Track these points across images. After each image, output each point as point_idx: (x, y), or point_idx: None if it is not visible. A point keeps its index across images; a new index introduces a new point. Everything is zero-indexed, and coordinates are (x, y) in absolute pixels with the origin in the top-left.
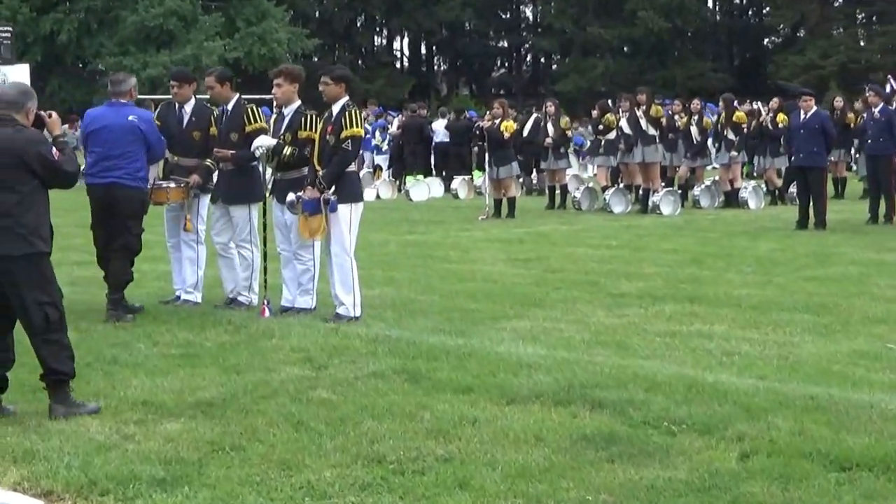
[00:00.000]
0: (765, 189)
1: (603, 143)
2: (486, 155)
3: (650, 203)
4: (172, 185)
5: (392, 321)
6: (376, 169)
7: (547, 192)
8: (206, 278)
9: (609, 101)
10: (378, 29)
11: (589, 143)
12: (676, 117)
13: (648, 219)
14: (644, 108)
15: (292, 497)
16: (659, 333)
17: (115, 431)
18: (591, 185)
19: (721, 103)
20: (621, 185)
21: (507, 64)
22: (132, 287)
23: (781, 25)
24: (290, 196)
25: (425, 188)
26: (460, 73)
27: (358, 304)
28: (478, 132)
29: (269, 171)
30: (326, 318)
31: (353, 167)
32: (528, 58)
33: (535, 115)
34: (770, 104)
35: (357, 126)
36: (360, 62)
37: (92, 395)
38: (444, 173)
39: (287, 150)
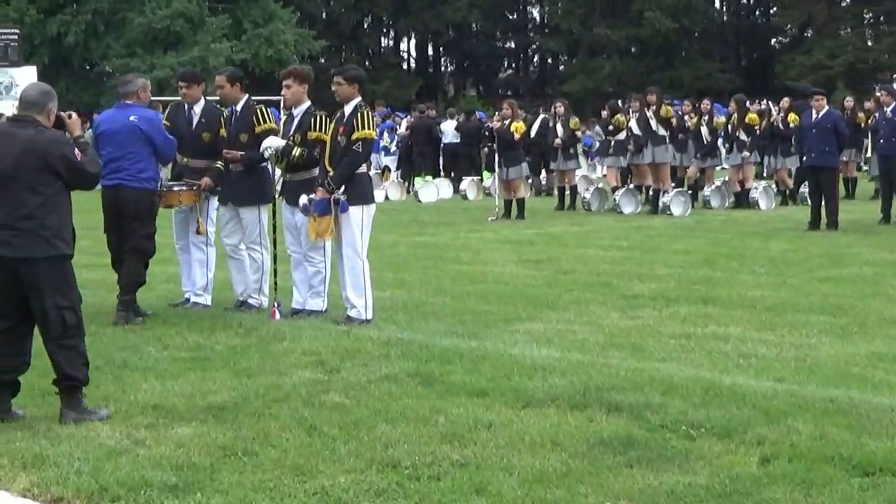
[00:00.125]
0: (775, 189)
1: (613, 143)
2: (496, 156)
3: (660, 204)
4: (184, 187)
5: (404, 323)
6: (385, 170)
7: (556, 192)
8: (216, 280)
9: (619, 102)
10: (385, 30)
11: (598, 144)
12: (686, 117)
13: (659, 219)
14: (654, 108)
15: (306, 503)
16: (674, 335)
17: (125, 436)
18: (600, 185)
19: (733, 104)
20: (631, 186)
21: (514, 65)
22: (141, 290)
23: (789, 25)
24: (303, 199)
25: (434, 189)
26: (467, 74)
27: (370, 307)
28: (487, 133)
29: (278, 172)
30: (338, 321)
31: (363, 169)
32: (536, 58)
33: (542, 116)
34: (781, 104)
35: (369, 128)
36: (367, 63)
37: (102, 399)
38: (452, 174)
39: (296, 152)
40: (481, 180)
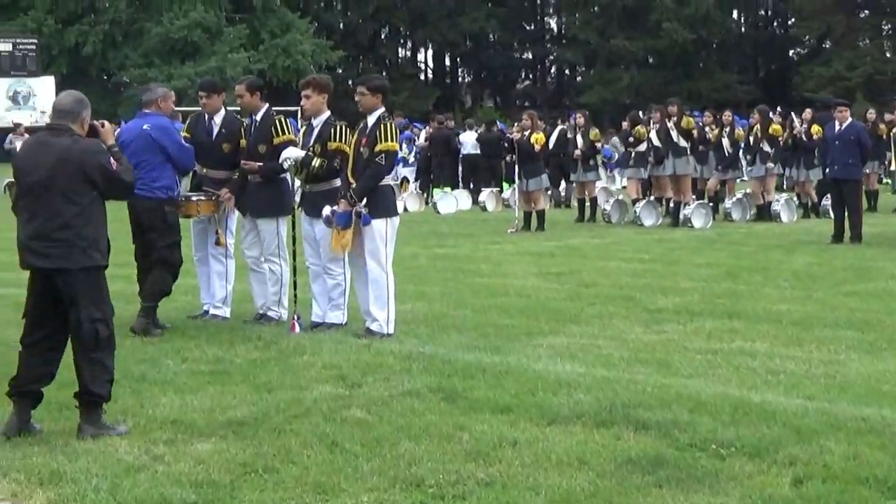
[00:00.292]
0: (797, 202)
1: (633, 155)
2: (516, 167)
3: (681, 216)
4: (203, 197)
5: (425, 337)
6: (403, 181)
7: (576, 204)
8: (235, 293)
9: (639, 113)
10: (402, 41)
11: (616, 155)
12: (707, 129)
13: (680, 232)
14: (675, 119)
15: None
16: (700, 351)
17: (144, 452)
18: (621, 197)
19: (756, 114)
20: (652, 198)
21: (531, 76)
22: (160, 301)
23: (807, 37)
24: (327, 210)
25: (453, 201)
26: (484, 85)
27: (391, 321)
28: (506, 144)
29: (297, 183)
30: (358, 335)
31: (387, 181)
32: (553, 69)
33: (560, 127)
34: (804, 115)
35: (392, 140)
36: (384, 74)
37: (120, 414)
38: (471, 185)
39: (316, 162)
40: (500, 192)
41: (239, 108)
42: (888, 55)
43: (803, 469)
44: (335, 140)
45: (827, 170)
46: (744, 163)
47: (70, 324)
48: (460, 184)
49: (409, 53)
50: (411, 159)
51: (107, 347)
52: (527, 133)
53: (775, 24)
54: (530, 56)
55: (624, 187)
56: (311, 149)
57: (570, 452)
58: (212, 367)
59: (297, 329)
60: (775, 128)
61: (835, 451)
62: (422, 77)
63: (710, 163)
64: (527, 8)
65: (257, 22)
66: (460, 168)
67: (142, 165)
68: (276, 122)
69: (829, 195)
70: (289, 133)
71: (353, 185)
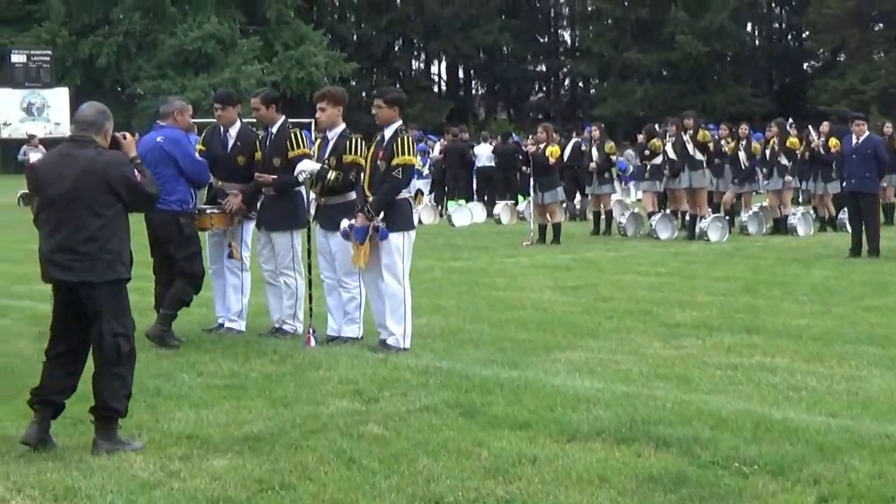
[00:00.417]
0: (814, 215)
1: (648, 168)
2: (531, 180)
3: (697, 229)
4: (216, 210)
5: (442, 351)
6: (417, 193)
7: (592, 217)
8: (250, 306)
9: (655, 126)
10: (416, 53)
11: (631, 168)
12: (723, 142)
13: (696, 245)
14: (691, 132)
15: None
16: (719, 366)
17: (159, 468)
18: (636, 210)
19: (774, 127)
20: (667, 211)
21: (544, 88)
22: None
23: (821, 50)
24: (345, 223)
25: (467, 213)
26: (498, 98)
27: (408, 335)
28: (521, 157)
29: (311, 196)
30: (373, 348)
31: (403, 194)
32: (566, 82)
33: (574, 140)
34: (821, 128)
35: (409, 154)
36: (397, 86)
37: (135, 428)
38: (486, 198)
39: (331, 175)
40: (515, 204)
41: (255, 121)
42: None
43: (828, 488)
44: (351, 153)
45: (844, 183)
46: (760, 176)
47: (91, 337)
48: (475, 196)
49: (422, 65)
50: (426, 171)
51: (128, 362)
52: (542, 146)
53: (789, 37)
54: (544, 68)
55: (638, 200)
56: (327, 161)
57: (590, 470)
58: (227, 381)
59: (313, 343)
60: (793, 141)
61: (859, 469)
62: (435, 89)
63: (726, 176)
64: (540, 20)
65: (271, 34)
66: (475, 180)
67: (156, 178)
68: (292, 135)
69: (845, 209)
70: (304, 147)
71: (370, 199)
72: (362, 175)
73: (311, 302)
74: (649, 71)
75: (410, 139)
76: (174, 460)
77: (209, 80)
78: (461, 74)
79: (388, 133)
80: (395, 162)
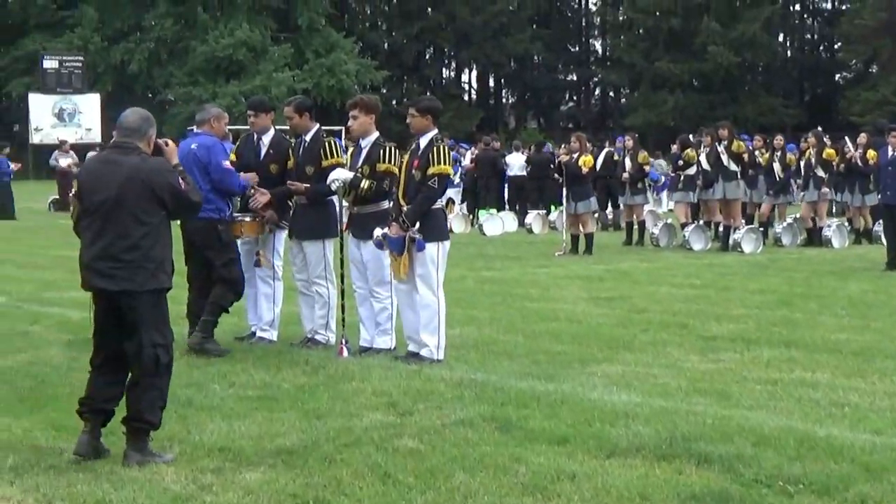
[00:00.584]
0: (849, 227)
1: (682, 178)
2: (563, 189)
3: (731, 240)
4: (248, 218)
5: (476, 363)
6: (448, 202)
7: (624, 227)
8: (282, 315)
9: (689, 136)
10: (447, 61)
11: (663, 178)
12: (757, 153)
13: (730, 257)
14: (725, 143)
15: None
16: (759, 381)
17: (191, 481)
18: (669, 221)
19: (811, 138)
20: (701, 222)
21: (575, 97)
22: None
23: (853, 61)
24: (378, 232)
25: (499, 222)
26: (528, 107)
27: (442, 347)
28: (553, 166)
29: (344, 204)
30: (406, 360)
31: (438, 204)
32: (597, 91)
33: (606, 149)
34: (858, 140)
35: (445, 163)
36: (427, 94)
37: (166, 440)
38: (517, 207)
39: (365, 184)
40: (547, 214)
41: (290, 129)
42: None
43: None
44: (384, 161)
45: (880, 195)
46: (795, 187)
47: (128, 349)
48: (506, 206)
49: (453, 74)
50: (457, 180)
51: (165, 373)
52: (575, 155)
53: (822, 48)
54: (574, 78)
55: (670, 210)
56: (360, 170)
57: (630, 487)
58: (259, 392)
59: (346, 353)
60: (829, 152)
61: None
62: (465, 98)
63: (760, 187)
64: (572, 30)
65: (302, 41)
66: (506, 190)
67: None
68: (326, 144)
69: (881, 220)
70: (337, 156)
71: (405, 209)
72: (396, 184)
73: (343, 312)
74: (680, 81)
75: (446, 148)
76: (206, 473)
77: (240, 88)
78: (492, 83)
79: (423, 142)
80: (430, 171)
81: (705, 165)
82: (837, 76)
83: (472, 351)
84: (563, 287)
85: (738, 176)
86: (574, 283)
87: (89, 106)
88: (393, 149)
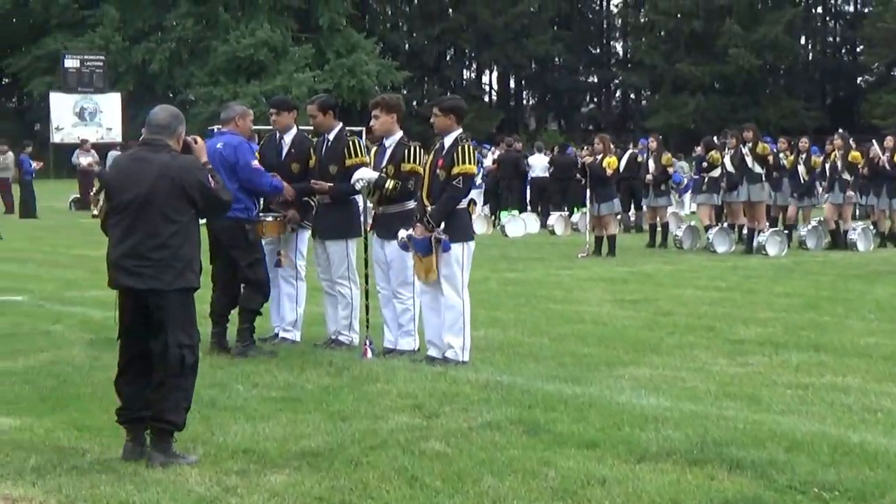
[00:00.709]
0: (874, 230)
1: (706, 180)
2: (587, 191)
3: (755, 243)
4: (269, 218)
5: (502, 365)
6: (470, 203)
7: (648, 229)
8: (306, 315)
9: (714, 138)
10: (467, 62)
11: (685, 180)
12: (782, 155)
13: (755, 259)
14: (750, 145)
15: None
16: (789, 385)
17: (215, 483)
18: (693, 223)
19: (837, 140)
20: (725, 225)
21: (596, 99)
22: (230, 323)
23: (876, 64)
24: (402, 233)
25: (521, 224)
26: (548, 108)
27: (467, 348)
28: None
29: (368, 204)
30: (431, 362)
31: (462, 204)
32: (618, 93)
33: (630, 151)
34: (885, 143)
35: (469, 162)
36: (448, 95)
37: (190, 441)
38: (539, 209)
39: (389, 184)
40: (570, 215)
41: (312, 128)
42: None
43: None
44: (409, 161)
45: None
46: (819, 190)
47: (154, 349)
48: (528, 207)
49: (473, 75)
50: (479, 181)
51: (191, 374)
52: (599, 157)
53: (844, 50)
54: (595, 80)
55: (692, 212)
56: (385, 170)
57: (662, 493)
58: (283, 393)
59: (370, 355)
60: (854, 155)
61: None
62: (486, 99)
63: (785, 190)
64: (593, 32)
65: (323, 42)
66: (528, 191)
67: None
68: (350, 143)
69: None
70: (361, 155)
71: (429, 209)
72: (420, 184)
73: (367, 313)
74: (701, 83)
75: (471, 147)
76: (231, 475)
77: (261, 88)
78: (512, 85)
79: (447, 141)
80: (455, 171)
81: (729, 168)
82: (859, 79)
83: (497, 353)
84: (587, 289)
85: (763, 178)
86: (598, 285)
87: (110, 105)
88: (417, 148)
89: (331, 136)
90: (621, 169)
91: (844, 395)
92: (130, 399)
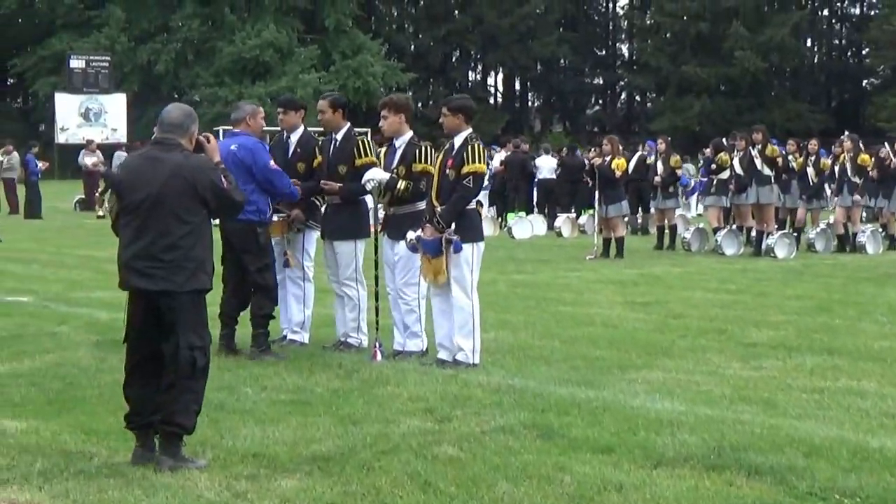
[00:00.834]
0: (882, 233)
1: (714, 182)
2: (595, 193)
3: (764, 245)
4: (274, 217)
5: (513, 369)
6: (477, 205)
7: (656, 231)
8: (314, 317)
9: (723, 140)
10: (473, 64)
11: (692, 182)
12: (791, 157)
13: (764, 262)
14: (759, 147)
15: None
16: (804, 389)
17: (225, 488)
18: (701, 225)
19: (848, 142)
20: (733, 227)
21: (601, 101)
22: (239, 325)
23: (882, 67)
24: (411, 234)
25: (528, 226)
26: (554, 110)
27: (478, 350)
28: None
29: (379, 205)
30: (441, 365)
31: (472, 204)
32: (623, 95)
33: (638, 153)
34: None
35: (479, 162)
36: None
37: (198, 445)
38: (546, 210)
39: (401, 185)
40: (577, 217)
41: (321, 128)
42: None
43: None
44: (420, 161)
45: None
46: (828, 192)
47: (167, 349)
48: (535, 208)
49: (479, 77)
50: (486, 182)
51: (202, 377)
52: (608, 158)
53: (849, 53)
54: (601, 81)
55: (699, 215)
56: (396, 171)
57: (680, 499)
58: (292, 396)
59: (380, 357)
60: (863, 157)
61: None
62: (491, 101)
63: (794, 192)
64: (598, 33)
65: (329, 43)
66: (535, 193)
67: None
68: (359, 142)
69: None
70: (371, 155)
71: (439, 210)
72: (430, 185)
73: (377, 314)
74: (707, 85)
75: (481, 147)
76: (240, 480)
77: (266, 89)
78: (518, 86)
79: (457, 141)
80: (465, 170)
81: (738, 170)
82: (865, 82)
83: (508, 356)
84: (597, 291)
85: (772, 180)
86: (607, 288)
87: (115, 106)
88: (429, 148)
89: (339, 136)
90: (630, 171)
91: (861, 399)
92: (139, 404)
